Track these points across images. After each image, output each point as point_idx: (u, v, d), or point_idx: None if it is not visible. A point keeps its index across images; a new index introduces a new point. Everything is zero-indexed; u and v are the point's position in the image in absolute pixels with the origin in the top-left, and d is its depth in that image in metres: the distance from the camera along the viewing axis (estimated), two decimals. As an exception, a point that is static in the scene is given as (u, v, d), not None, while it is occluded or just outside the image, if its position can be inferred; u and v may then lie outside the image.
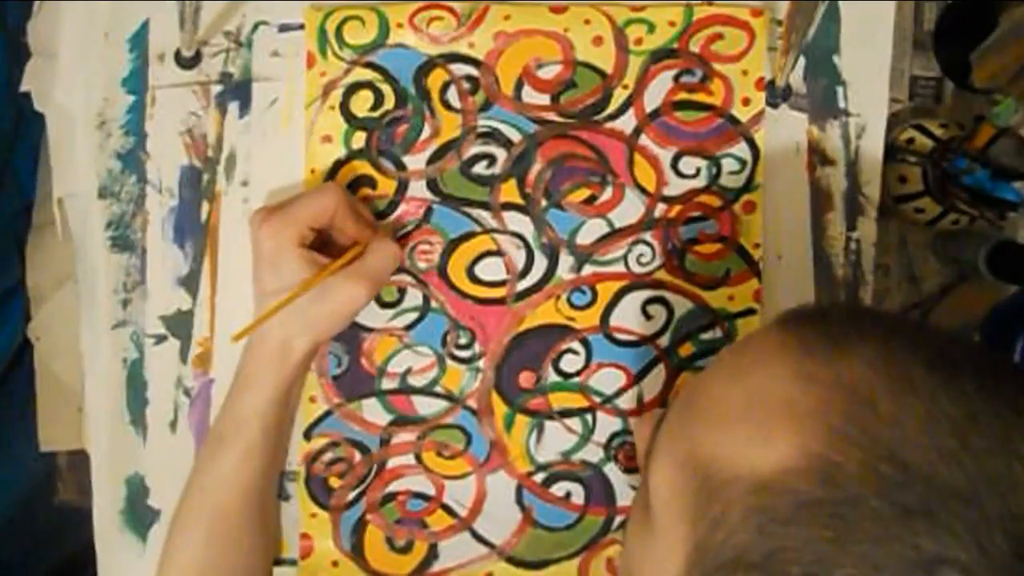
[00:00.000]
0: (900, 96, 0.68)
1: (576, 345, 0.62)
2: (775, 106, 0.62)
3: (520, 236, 0.61)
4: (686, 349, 0.62)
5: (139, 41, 0.62)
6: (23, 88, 0.64)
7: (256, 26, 0.62)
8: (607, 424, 0.62)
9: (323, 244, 0.58)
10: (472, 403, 0.62)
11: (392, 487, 0.62)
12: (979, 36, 0.65)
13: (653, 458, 0.43)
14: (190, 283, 0.63)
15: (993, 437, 0.33)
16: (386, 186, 0.61)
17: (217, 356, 0.63)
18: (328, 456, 0.62)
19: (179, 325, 0.63)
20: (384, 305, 0.62)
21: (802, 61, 0.62)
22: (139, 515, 0.64)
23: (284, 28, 0.62)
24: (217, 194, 0.63)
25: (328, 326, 0.58)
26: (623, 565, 0.48)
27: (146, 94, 0.62)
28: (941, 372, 0.35)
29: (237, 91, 0.62)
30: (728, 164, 0.61)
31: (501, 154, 0.61)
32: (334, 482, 0.62)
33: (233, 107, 0.62)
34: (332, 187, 0.57)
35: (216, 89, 0.62)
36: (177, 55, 0.62)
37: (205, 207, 0.63)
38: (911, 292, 0.70)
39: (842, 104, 0.63)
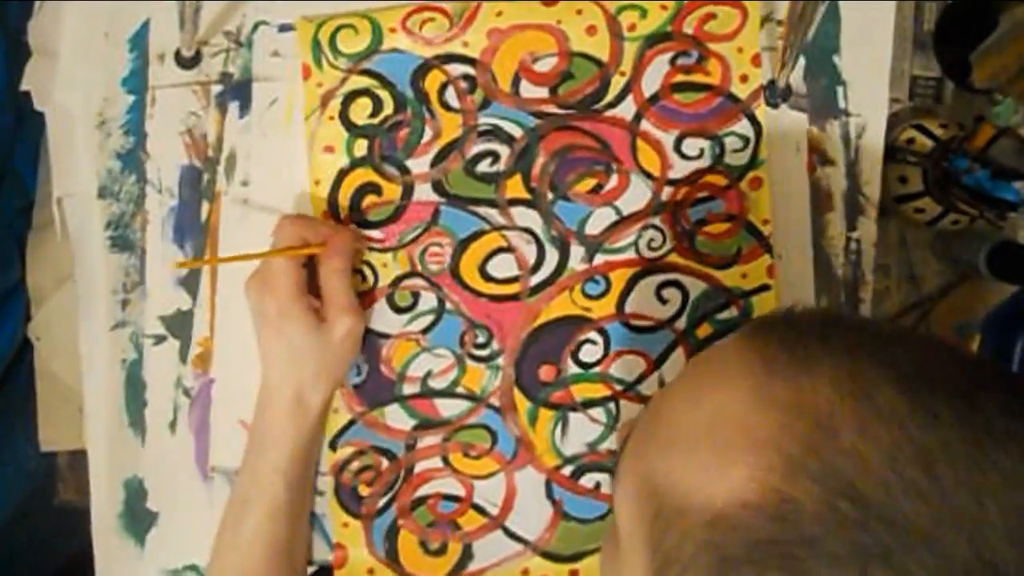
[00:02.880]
0: (900, 96, 0.68)
1: (594, 335, 0.62)
2: (775, 106, 0.62)
3: (529, 231, 0.61)
4: (704, 330, 0.62)
5: (139, 41, 0.62)
6: (23, 88, 0.64)
7: (256, 26, 0.62)
8: (631, 411, 0.62)
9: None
10: (495, 401, 0.62)
11: (422, 491, 0.62)
12: (979, 36, 0.65)
13: (617, 477, 0.40)
14: (190, 283, 0.63)
15: (965, 469, 0.30)
16: (391, 191, 0.61)
17: (217, 356, 0.63)
18: (355, 465, 0.62)
19: (179, 325, 0.63)
20: (399, 310, 0.62)
21: (802, 61, 0.62)
22: (137, 518, 0.64)
23: (284, 28, 0.62)
24: (217, 194, 0.63)
25: (338, 367, 0.58)
26: None
27: (146, 94, 0.63)
28: (912, 393, 0.32)
29: (237, 91, 0.62)
30: (731, 142, 0.61)
31: (504, 150, 0.61)
32: (363, 490, 0.62)
33: (233, 107, 0.62)
34: (285, 219, 0.57)
35: (216, 89, 0.62)
36: (177, 55, 0.62)
37: (205, 207, 0.63)
38: (911, 292, 0.70)
39: (842, 104, 0.63)
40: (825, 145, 0.63)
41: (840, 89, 0.63)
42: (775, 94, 0.62)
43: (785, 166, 0.62)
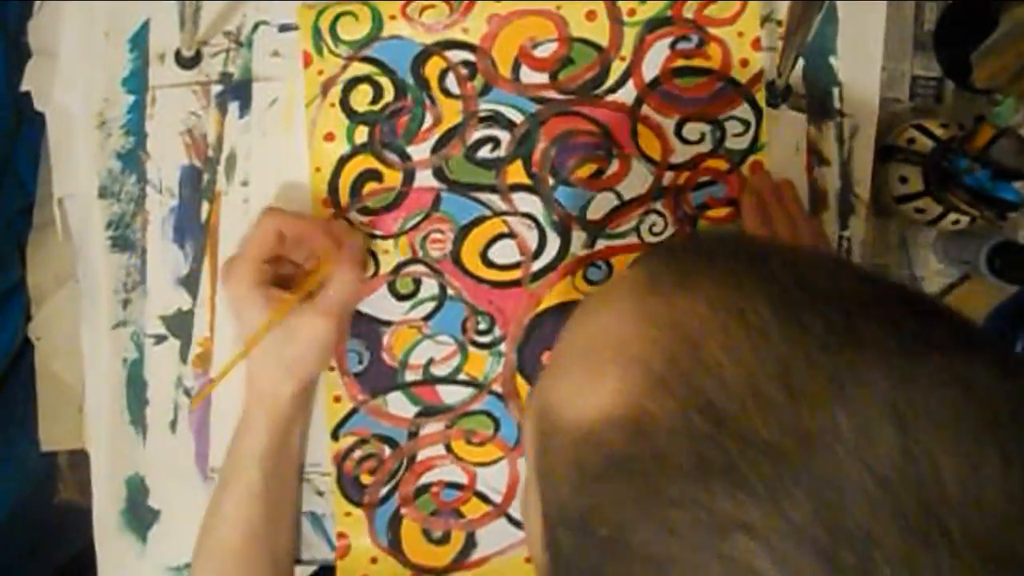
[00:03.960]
0: (900, 96, 0.68)
1: None
2: (775, 106, 0.62)
3: (531, 216, 0.61)
4: (706, 315, 0.61)
5: (139, 41, 0.62)
6: (23, 88, 0.64)
7: (256, 26, 0.62)
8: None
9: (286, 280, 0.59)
10: (497, 388, 0.61)
11: (424, 479, 0.61)
12: (979, 36, 0.65)
13: (526, 404, 0.40)
14: (190, 283, 0.63)
15: (824, 385, 0.28)
16: (392, 178, 0.61)
17: (217, 356, 0.63)
18: (358, 454, 0.61)
19: (179, 325, 0.63)
20: (401, 297, 0.62)
21: (801, 61, 0.63)
22: (139, 516, 0.63)
23: (284, 28, 0.62)
24: (217, 194, 0.63)
25: (304, 366, 0.58)
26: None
27: (146, 94, 0.62)
28: (786, 308, 0.30)
29: (237, 91, 0.62)
30: (732, 126, 0.61)
31: (504, 136, 0.61)
32: (366, 479, 0.61)
33: (233, 107, 0.62)
34: (267, 212, 0.57)
35: (216, 89, 0.62)
36: (177, 55, 0.62)
37: (205, 207, 0.63)
38: (911, 292, 0.70)
39: (837, 105, 0.63)
40: (822, 145, 0.63)
41: (836, 90, 0.63)
42: (775, 94, 0.62)
43: (785, 166, 0.63)
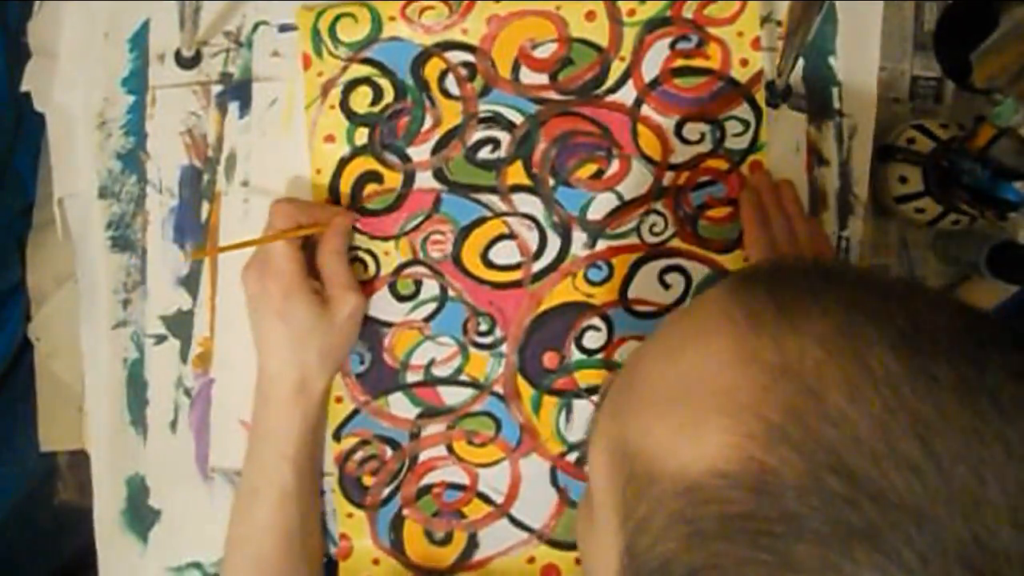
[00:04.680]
0: (900, 96, 0.68)
1: (597, 321, 0.61)
2: (775, 106, 0.63)
3: (531, 217, 0.61)
4: (707, 315, 0.61)
5: (139, 41, 0.62)
6: (23, 88, 0.64)
7: (256, 26, 0.62)
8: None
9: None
10: (499, 389, 0.61)
11: (426, 480, 0.61)
12: (979, 36, 0.65)
13: (591, 439, 0.37)
14: (190, 283, 0.63)
15: (964, 441, 0.27)
16: (392, 179, 0.61)
17: (217, 356, 0.63)
18: (359, 455, 0.61)
19: (179, 325, 0.63)
20: (402, 298, 0.62)
21: (801, 62, 0.63)
22: (140, 516, 0.63)
23: (284, 28, 0.62)
24: (217, 194, 0.63)
25: (341, 349, 0.59)
26: (581, 554, 0.42)
27: (146, 94, 0.62)
28: (910, 355, 0.28)
29: (237, 91, 0.62)
30: (732, 126, 0.61)
31: (505, 137, 0.61)
32: (367, 480, 0.61)
33: (233, 107, 0.62)
34: (278, 204, 0.57)
35: (216, 89, 0.62)
36: (177, 55, 0.62)
37: (205, 207, 0.63)
38: (911, 292, 0.70)
39: (836, 105, 0.63)
40: (821, 145, 0.63)
41: (835, 90, 0.63)
42: (775, 94, 0.62)
43: (785, 166, 0.63)
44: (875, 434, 0.27)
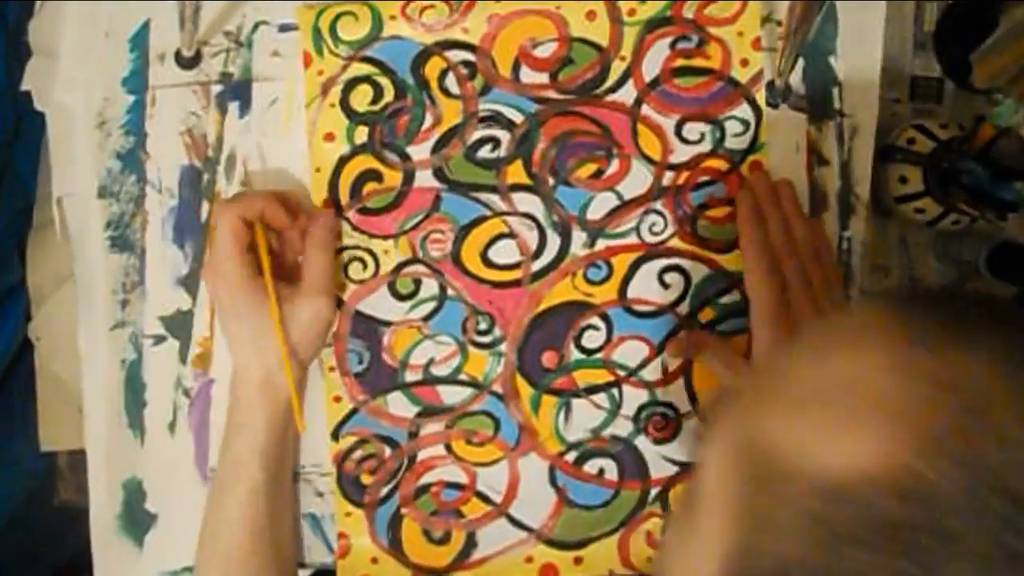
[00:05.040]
0: (900, 96, 0.68)
1: (596, 321, 0.61)
2: (775, 106, 0.62)
3: (531, 216, 0.61)
4: (706, 315, 0.61)
5: (139, 41, 0.62)
6: (23, 88, 0.64)
7: (256, 26, 0.62)
8: (634, 397, 0.61)
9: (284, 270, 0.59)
10: (497, 388, 0.61)
11: (425, 479, 0.61)
12: (979, 36, 0.65)
13: (708, 439, 0.37)
14: (190, 283, 0.63)
15: None
16: (392, 178, 0.61)
17: (217, 356, 0.63)
18: (358, 454, 0.61)
19: (178, 325, 0.63)
20: (401, 297, 0.62)
21: (801, 62, 0.63)
22: (136, 519, 0.63)
23: (284, 28, 0.62)
24: (217, 194, 0.63)
25: (305, 350, 0.58)
26: (657, 562, 0.43)
27: (146, 94, 0.62)
28: None
29: (237, 91, 0.62)
30: (732, 126, 0.61)
31: (505, 136, 0.61)
32: (366, 479, 0.61)
33: (233, 107, 0.62)
34: (220, 205, 0.58)
35: (216, 89, 0.62)
36: (177, 55, 0.62)
37: (205, 207, 0.63)
38: (912, 293, 0.70)
39: (837, 105, 0.63)
40: (821, 145, 0.63)
41: (836, 90, 0.63)
42: (775, 94, 0.62)
43: (785, 166, 0.62)
44: None
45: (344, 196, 0.61)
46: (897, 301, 0.35)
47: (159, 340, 0.63)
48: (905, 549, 0.27)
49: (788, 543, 0.30)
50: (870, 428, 0.29)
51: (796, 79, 0.63)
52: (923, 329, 0.31)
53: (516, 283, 0.62)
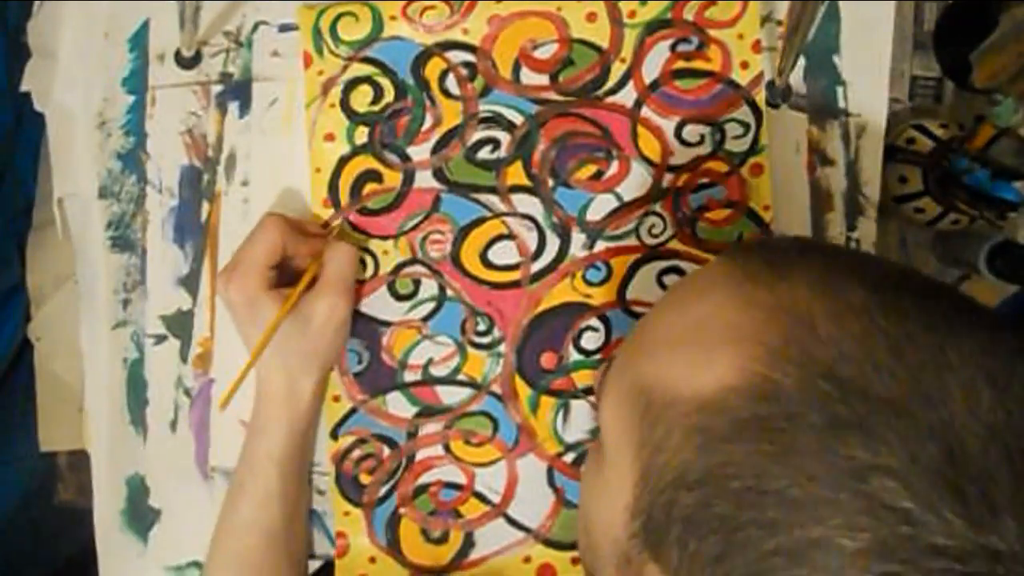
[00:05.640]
0: (900, 96, 0.68)
1: (595, 322, 0.61)
2: (775, 106, 0.62)
3: (530, 217, 0.61)
4: (705, 316, 0.61)
5: (139, 41, 0.63)
6: (23, 88, 0.64)
7: (256, 26, 0.62)
8: (633, 398, 0.62)
9: (286, 278, 0.58)
10: (496, 388, 0.62)
11: (423, 479, 0.62)
12: (979, 36, 0.65)
13: (602, 395, 0.43)
14: (190, 283, 0.63)
15: (927, 352, 0.33)
16: (392, 179, 0.61)
17: (217, 356, 0.63)
18: (356, 453, 0.62)
19: (179, 325, 0.63)
20: (400, 298, 0.62)
21: (802, 61, 0.62)
22: (140, 515, 0.64)
23: (284, 28, 0.62)
24: (217, 194, 0.63)
25: (323, 353, 0.58)
26: (580, 515, 0.48)
27: (146, 94, 0.63)
28: (880, 294, 0.36)
29: (237, 91, 0.62)
30: (732, 129, 0.61)
31: (505, 137, 0.61)
32: (364, 478, 0.61)
33: (233, 107, 0.63)
34: (270, 218, 0.57)
35: (216, 89, 0.62)
36: (177, 55, 0.62)
37: (205, 207, 0.63)
38: (911, 292, 0.70)
39: (842, 104, 0.63)
40: (825, 145, 0.63)
41: (840, 89, 0.63)
42: (775, 94, 0.62)
43: (785, 166, 0.62)
44: (857, 349, 0.34)
45: (344, 196, 0.61)
46: (734, 253, 0.42)
47: (160, 339, 0.63)
48: (762, 434, 0.34)
49: (680, 454, 0.36)
50: (726, 352, 0.36)
51: (797, 79, 0.63)
52: (754, 270, 0.39)
53: (515, 284, 0.62)
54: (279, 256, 0.56)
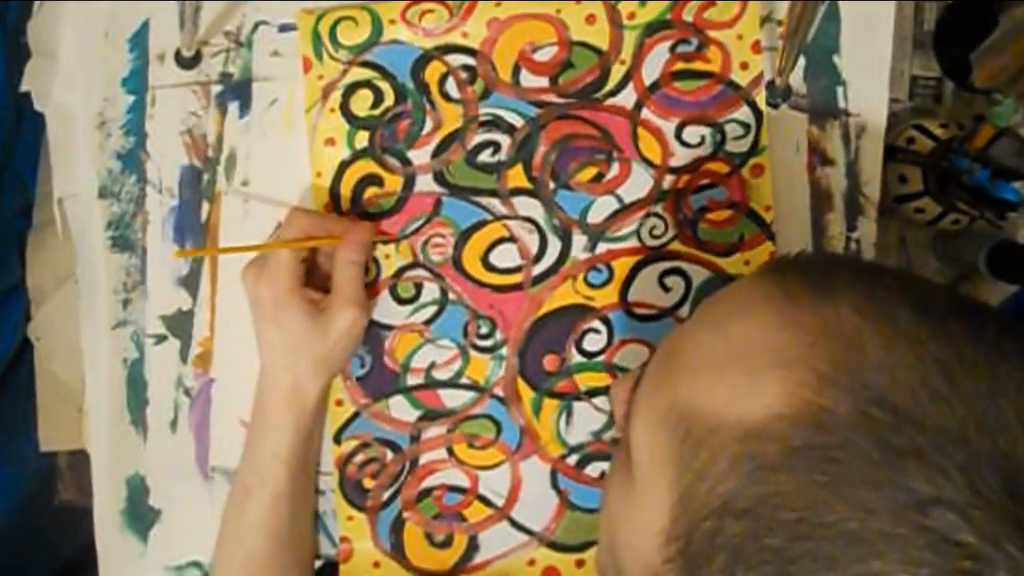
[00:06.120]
0: (900, 96, 0.68)
1: (597, 324, 0.61)
2: (775, 106, 0.62)
3: (531, 220, 0.61)
4: (707, 317, 0.61)
5: (139, 41, 0.63)
6: (23, 88, 0.64)
7: (256, 26, 0.62)
8: (635, 400, 0.62)
9: (313, 280, 0.59)
10: (499, 391, 0.62)
11: (427, 483, 0.62)
12: (979, 36, 0.65)
13: (633, 415, 0.42)
14: (190, 283, 0.63)
15: (981, 379, 0.33)
16: (393, 183, 0.61)
17: (217, 356, 0.63)
18: (360, 457, 0.62)
19: (179, 325, 0.63)
20: (402, 302, 0.62)
21: (802, 61, 0.62)
22: (140, 515, 0.64)
23: (284, 28, 0.62)
24: (217, 194, 0.63)
25: (336, 359, 0.58)
26: (602, 532, 0.47)
27: (146, 94, 0.63)
28: (928, 317, 0.35)
29: (237, 91, 0.62)
30: (732, 129, 0.61)
31: (505, 140, 0.61)
32: (368, 483, 0.62)
33: (233, 107, 0.63)
34: (297, 212, 0.57)
35: (216, 89, 0.62)
36: (177, 55, 0.62)
37: (205, 207, 0.63)
38: (911, 292, 0.70)
39: (842, 104, 0.63)
40: (825, 145, 0.63)
41: (840, 89, 0.63)
42: (775, 94, 0.62)
43: (785, 166, 0.62)
44: (910, 376, 0.33)
45: (345, 201, 0.61)
46: (771, 271, 0.41)
47: (160, 339, 0.63)
48: (814, 464, 0.33)
49: (724, 483, 0.35)
50: (773, 377, 0.35)
51: (797, 79, 0.63)
52: (795, 291, 0.38)
53: (517, 287, 0.62)
54: (306, 250, 0.57)
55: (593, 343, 0.62)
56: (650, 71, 0.61)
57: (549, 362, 0.62)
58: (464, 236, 0.61)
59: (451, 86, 0.61)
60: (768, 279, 0.40)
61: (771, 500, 0.33)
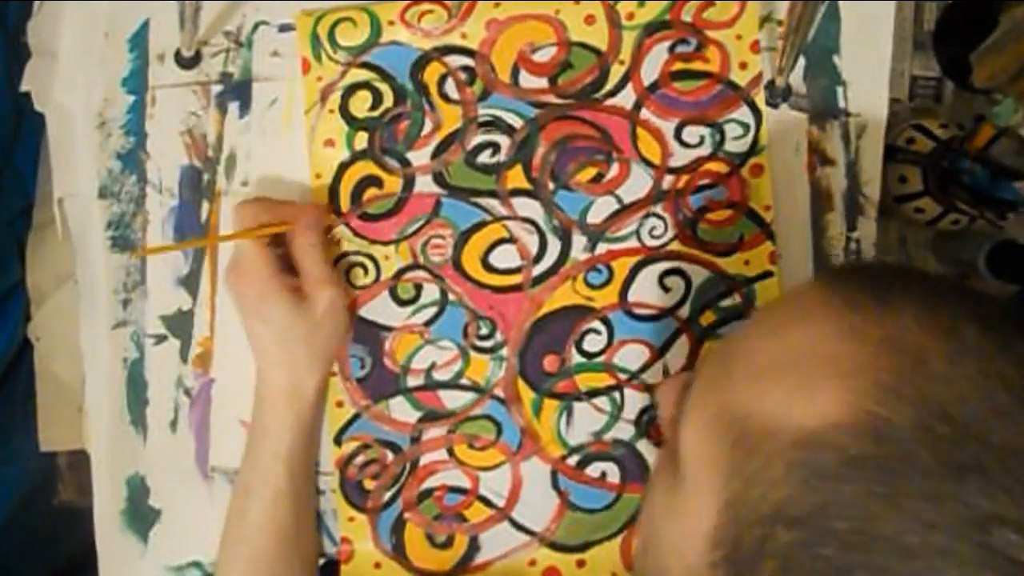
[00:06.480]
0: (900, 96, 0.68)
1: (597, 324, 0.61)
2: (775, 106, 0.62)
3: (531, 221, 0.61)
4: (707, 318, 0.61)
5: (139, 41, 0.63)
6: (23, 88, 0.64)
7: (256, 26, 0.62)
8: (635, 400, 0.62)
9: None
10: (499, 392, 0.62)
11: (427, 483, 0.62)
12: (979, 36, 0.65)
13: (684, 417, 0.42)
14: (190, 283, 0.63)
15: None
16: (392, 184, 0.61)
17: (217, 356, 0.63)
18: (360, 459, 0.62)
19: (179, 325, 0.63)
20: (402, 303, 0.62)
21: (802, 61, 0.62)
22: (140, 515, 0.64)
23: (284, 28, 0.62)
24: (217, 194, 0.63)
25: (327, 345, 0.58)
26: (643, 534, 0.47)
27: (146, 94, 0.63)
28: (992, 331, 0.34)
29: (237, 91, 0.62)
30: (731, 129, 0.61)
31: (504, 141, 0.61)
32: (368, 484, 0.62)
33: (233, 107, 0.63)
34: (241, 207, 0.58)
35: (216, 89, 0.63)
36: (177, 55, 0.62)
37: (205, 207, 0.63)
38: (911, 292, 0.70)
39: (842, 104, 0.63)
40: (825, 145, 0.63)
41: (840, 89, 0.63)
42: (775, 94, 0.62)
43: (785, 166, 0.62)
44: (974, 390, 0.33)
45: (345, 202, 0.61)
46: (832, 278, 0.40)
47: (160, 339, 0.63)
48: (872, 475, 0.32)
49: (777, 490, 0.35)
50: (831, 385, 0.35)
51: (797, 79, 0.63)
52: (858, 299, 0.37)
53: (517, 288, 0.62)
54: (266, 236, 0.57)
55: (593, 343, 0.62)
56: (649, 71, 0.61)
57: (549, 363, 0.62)
58: (464, 237, 0.61)
59: (450, 87, 0.61)
60: (828, 287, 0.39)
61: (826, 509, 0.33)
